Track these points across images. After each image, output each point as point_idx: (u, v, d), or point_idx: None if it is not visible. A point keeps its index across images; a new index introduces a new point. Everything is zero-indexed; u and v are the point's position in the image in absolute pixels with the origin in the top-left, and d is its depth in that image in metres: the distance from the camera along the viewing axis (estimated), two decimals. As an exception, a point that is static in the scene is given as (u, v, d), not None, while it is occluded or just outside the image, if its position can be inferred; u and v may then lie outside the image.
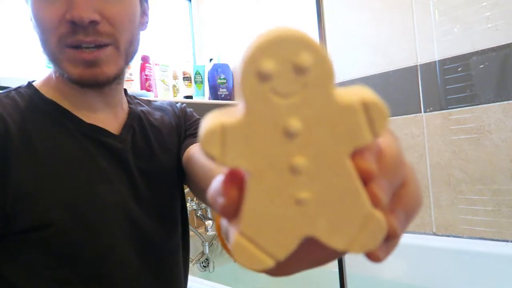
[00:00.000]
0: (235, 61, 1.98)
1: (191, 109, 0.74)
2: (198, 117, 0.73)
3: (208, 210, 1.61)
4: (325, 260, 0.21)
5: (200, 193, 0.60)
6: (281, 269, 0.21)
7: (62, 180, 0.50)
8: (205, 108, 1.81)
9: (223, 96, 1.92)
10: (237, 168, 0.17)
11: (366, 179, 0.17)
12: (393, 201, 0.19)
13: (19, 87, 0.58)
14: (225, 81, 1.93)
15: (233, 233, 0.18)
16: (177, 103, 0.75)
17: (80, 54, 0.50)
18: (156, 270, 0.58)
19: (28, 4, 0.53)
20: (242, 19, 1.91)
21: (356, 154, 0.17)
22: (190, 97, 1.81)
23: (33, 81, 0.60)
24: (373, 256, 0.19)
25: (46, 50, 0.53)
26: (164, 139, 0.65)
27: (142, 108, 0.67)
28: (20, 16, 1.44)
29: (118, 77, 0.56)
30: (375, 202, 0.17)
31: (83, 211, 0.50)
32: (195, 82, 1.90)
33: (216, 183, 0.18)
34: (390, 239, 0.19)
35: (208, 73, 1.93)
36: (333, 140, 0.17)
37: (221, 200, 0.18)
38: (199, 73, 1.92)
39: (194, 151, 0.61)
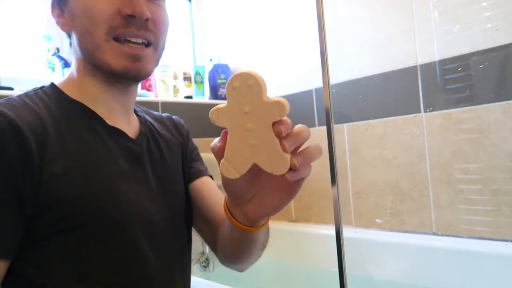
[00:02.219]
0: (235, 61, 1.98)
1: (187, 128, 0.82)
2: (194, 143, 0.81)
3: (208, 210, 1.61)
4: (276, 188, 0.45)
5: (199, 219, 0.70)
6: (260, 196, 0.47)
7: (89, 177, 0.52)
8: (205, 108, 1.81)
9: (223, 96, 1.92)
10: (224, 128, 0.40)
11: (281, 138, 0.38)
12: (295, 151, 0.40)
13: (43, 87, 0.60)
14: (225, 81, 1.93)
15: (222, 160, 0.40)
16: (172, 115, 0.80)
17: (128, 48, 0.54)
18: (169, 269, 0.61)
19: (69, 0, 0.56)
20: (242, 19, 1.91)
21: (275, 124, 0.38)
22: (190, 97, 1.81)
23: (51, 83, 0.63)
24: (290, 174, 0.40)
25: (88, 41, 0.55)
26: (171, 149, 0.70)
27: (147, 117, 0.71)
28: (20, 16, 1.44)
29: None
30: (284, 149, 0.38)
31: (108, 208, 0.52)
32: (195, 82, 1.90)
33: (215, 139, 0.41)
34: (294, 169, 0.39)
35: (208, 73, 1.93)
36: (264, 117, 0.38)
37: (218, 144, 0.41)
38: (199, 73, 1.92)
39: (203, 187, 0.72)
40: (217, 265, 1.53)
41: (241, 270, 0.75)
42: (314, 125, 1.63)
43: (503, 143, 1.14)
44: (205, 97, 1.93)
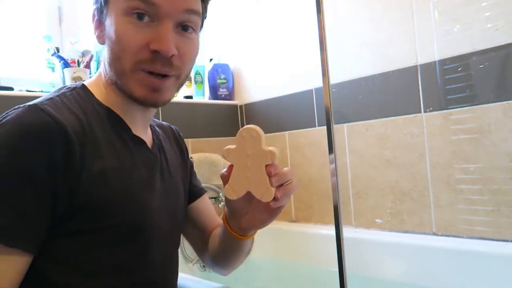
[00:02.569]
0: (235, 61, 1.98)
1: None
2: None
3: (208, 210, 1.61)
4: (265, 209, 0.60)
5: (194, 228, 0.80)
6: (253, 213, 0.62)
7: (118, 183, 0.55)
8: (205, 108, 1.81)
9: (223, 96, 1.92)
10: (231, 163, 0.55)
11: (270, 176, 0.53)
12: (279, 187, 0.55)
13: (75, 87, 0.61)
14: (225, 81, 1.93)
15: (226, 185, 0.56)
16: (172, 125, 0.85)
17: (151, 80, 0.57)
18: (169, 271, 0.69)
19: (106, 17, 0.58)
20: (242, 19, 1.91)
21: (267, 166, 0.53)
22: (190, 97, 1.81)
23: (77, 83, 0.64)
24: (273, 202, 0.54)
25: (116, 65, 0.57)
26: (173, 160, 0.74)
27: (156, 127, 0.75)
28: (20, 16, 1.44)
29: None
30: (271, 184, 0.53)
31: (131, 213, 0.56)
32: (195, 82, 1.90)
33: (223, 170, 0.57)
34: (276, 199, 0.54)
35: (208, 73, 1.93)
36: (260, 159, 0.53)
37: (224, 173, 0.57)
38: (199, 73, 1.92)
39: (203, 206, 0.81)
40: (217, 265, 1.53)
41: (224, 274, 0.84)
42: (314, 125, 1.63)
43: (503, 143, 1.14)
44: (205, 97, 1.93)
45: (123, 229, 0.55)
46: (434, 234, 1.29)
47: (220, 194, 1.61)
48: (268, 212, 0.60)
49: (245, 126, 0.54)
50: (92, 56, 1.46)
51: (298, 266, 1.58)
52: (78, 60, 1.41)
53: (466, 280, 1.15)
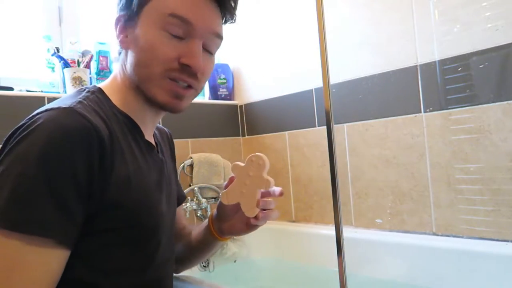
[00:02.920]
0: (235, 61, 1.98)
1: None
2: None
3: (208, 210, 1.61)
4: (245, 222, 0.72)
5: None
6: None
7: (137, 186, 0.59)
8: (205, 108, 1.81)
9: (223, 96, 1.92)
10: (234, 176, 0.68)
11: (259, 199, 0.66)
12: (262, 210, 0.68)
13: (94, 91, 0.63)
14: (225, 81, 1.93)
15: (223, 191, 0.69)
16: (164, 127, 0.90)
17: (177, 87, 0.62)
18: (171, 269, 0.75)
19: (136, 26, 0.62)
20: (242, 19, 1.91)
21: (261, 191, 0.67)
22: (190, 97, 1.81)
23: (92, 86, 0.67)
24: (253, 219, 0.67)
25: (143, 71, 0.61)
26: (168, 162, 0.78)
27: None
28: (20, 16, 1.44)
29: None
30: (257, 205, 0.66)
31: (147, 215, 0.61)
32: (195, 82, 1.90)
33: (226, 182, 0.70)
34: (256, 218, 0.66)
35: (208, 73, 1.93)
36: (257, 183, 0.64)
37: (225, 183, 0.70)
38: (199, 73, 1.92)
39: (180, 211, 0.90)
40: (217, 265, 1.53)
41: (176, 272, 0.88)
42: (314, 125, 1.63)
43: (503, 143, 1.14)
44: (205, 97, 1.93)
45: (141, 230, 0.60)
46: (434, 234, 1.29)
47: (220, 194, 1.61)
48: (247, 226, 0.72)
49: (257, 153, 0.66)
50: (92, 56, 1.46)
51: (298, 266, 1.58)
52: (78, 60, 1.41)
53: (466, 280, 1.15)
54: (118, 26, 0.65)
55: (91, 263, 0.55)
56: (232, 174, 0.69)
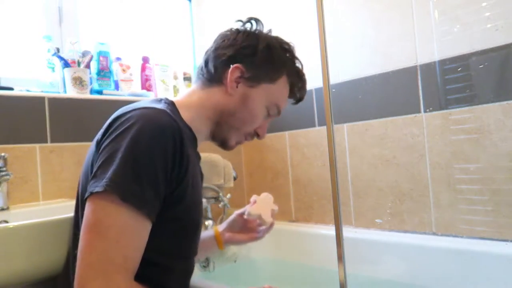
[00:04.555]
0: (235, 61, 1.97)
1: None
2: None
3: (208, 210, 1.61)
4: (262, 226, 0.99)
5: None
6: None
7: (195, 186, 0.70)
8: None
9: (223, 96, 1.92)
10: (256, 201, 0.97)
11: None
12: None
13: (169, 103, 0.73)
14: (225, 81, 1.93)
15: (251, 208, 0.94)
16: None
17: (243, 141, 0.85)
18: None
19: (252, 88, 0.79)
20: (242, 19, 1.91)
21: (272, 211, 0.96)
22: (190, 97, 1.81)
23: (165, 98, 0.77)
24: (261, 233, 1.00)
25: (235, 121, 0.79)
26: None
27: None
28: (20, 16, 1.44)
29: None
30: (272, 216, 0.95)
31: (197, 212, 0.74)
32: (195, 82, 1.90)
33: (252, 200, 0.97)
34: (268, 230, 1.00)
35: (208, 73, 1.93)
36: (270, 206, 0.97)
37: (251, 205, 0.96)
38: (199, 73, 1.91)
39: None
40: (217, 265, 1.53)
41: None
42: (314, 125, 1.63)
43: (503, 143, 1.14)
44: (205, 97, 1.93)
45: (192, 223, 0.72)
46: (434, 234, 1.29)
47: (220, 194, 1.61)
48: (247, 237, 0.98)
49: (267, 193, 0.98)
50: (92, 56, 1.46)
51: (298, 266, 1.58)
52: (78, 60, 1.41)
53: (466, 280, 1.15)
54: (236, 74, 0.77)
55: (158, 247, 0.64)
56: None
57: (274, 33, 0.93)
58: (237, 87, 0.77)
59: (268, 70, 0.79)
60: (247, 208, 0.94)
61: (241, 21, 0.86)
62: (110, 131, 0.61)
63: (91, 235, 0.55)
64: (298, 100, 0.90)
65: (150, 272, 0.65)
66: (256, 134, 0.84)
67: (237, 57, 0.77)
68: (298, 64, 0.86)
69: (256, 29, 0.84)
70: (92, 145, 0.69)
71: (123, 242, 0.55)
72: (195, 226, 0.74)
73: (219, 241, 0.98)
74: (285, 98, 0.85)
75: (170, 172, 0.61)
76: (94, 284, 0.52)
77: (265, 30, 0.86)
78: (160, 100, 0.73)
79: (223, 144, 0.82)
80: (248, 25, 0.84)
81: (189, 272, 0.77)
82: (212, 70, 0.79)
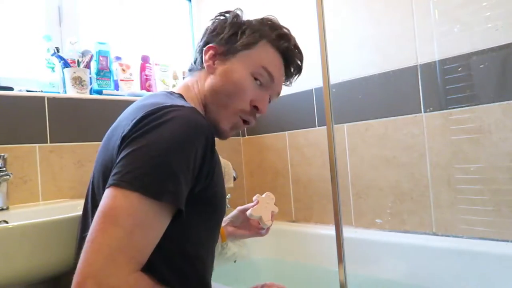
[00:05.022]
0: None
1: None
2: None
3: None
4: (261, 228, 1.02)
5: None
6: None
7: (220, 177, 0.72)
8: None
9: (223, 96, 1.92)
10: (259, 201, 0.98)
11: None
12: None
13: (178, 97, 0.74)
14: (225, 81, 1.93)
15: (252, 208, 0.95)
16: None
17: (239, 123, 0.78)
18: None
19: (229, 61, 0.76)
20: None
21: (272, 212, 0.98)
22: (190, 97, 1.81)
23: (171, 92, 0.78)
24: (263, 231, 1.02)
25: (220, 99, 0.75)
26: None
27: None
28: (20, 16, 1.44)
29: None
30: (271, 219, 0.97)
31: (223, 202, 0.74)
32: (195, 82, 1.90)
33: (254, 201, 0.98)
34: (267, 231, 1.02)
35: (208, 73, 1.93)
36: (270, 208, 0.98)
37: (253, 204, 0.98)
38: (199, 73, 1.91)
39: None
40: (217, 265, 1.53)
41: None
42: (314, 125, 1.63)
43: (503, 143, 1.14)
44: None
45: (219, 215, 0.74)
46: (434, 234, 1.29)
47: (250, 210, 1.61)
48: (248, 233, 1.03)
49: (269, 192, 0.99)
50: (92, 56, 1.46)
51: (298, 266, 1.58)
52: (78, 60, 1.41)
53: (466, 280, 1.15)
54: (209, 53, 0.77)
55: (197, 239, 0.68)
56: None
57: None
58: (214, 64, 0.77)
59: (241, 39, 0.77)
60: (250, 209, 0.95)
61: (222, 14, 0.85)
62: (141, 125, 0.60)
63: (107, 220, 0.54)
64: (295, 65, 0.84)
65: (194, 265, 0.68)
66: (255, 108, 0.77)
67: (210, 40, 0.79)
68: (277, 28, 0.82)
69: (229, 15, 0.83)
70: (109, 141, 0.68)
71: (138, 234, 0.55)
72: (222, 215, 0.77)
73: (222, 235, 1.00)
74: (272, 60, 0.79)
75: (199, 169, 0.62)
76: (101, 273, 0.51)
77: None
78: (172, 94, 0.74)
79: (217, 131, 0.77)
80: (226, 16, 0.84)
81: (213, 259, 0.80)
82: (193, 61, 0.82)
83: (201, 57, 0.79)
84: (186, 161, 0.58)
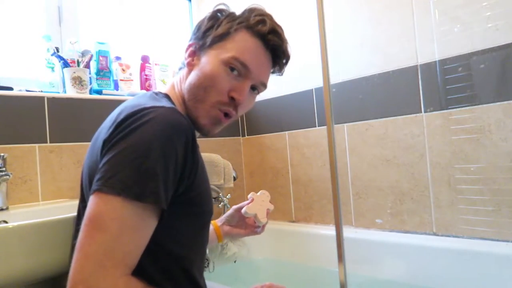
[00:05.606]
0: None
1: None
2: None
3: (208, 210, 1.61)
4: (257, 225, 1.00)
5: None
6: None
7: (204, 180, 0.72)
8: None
9: (223, 96, 1.92)
10: (254, 199, 0.97)
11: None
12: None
13: (165, 97, 0.74)
14: (225, 81, 1.93)
15: (247, 206, 0.95)
16: None
17: (220, 115, 0.74)
18: None
19: (205, 54, 0.75)
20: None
21: (267, 210, 0.97)
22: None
23: (158, 91, 0.78)
24: (259, 229, 1.00)
25: (198, 93, 0.74)
26: None
27: None
28: (20, 16, 1.44)
29: None
30: (266, 216, 0.96)
31: (209, 201, 0.74)
32: (195, 82, 1.90)
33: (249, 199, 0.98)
34: (263, 229, 1.00)
35: (208, 73, 1.93)
36: (266, 205, 0.97)
37: (248, 202, 0.97)
38: (199, 73, 1.91)
39: None
40: (217, 265, 1.53)
41: None
42: (314, 125, 1.63)
43: (503, 143, 1.14)
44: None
45: (206, 213, 0.73)
46: (434, 234, 1.29)
47: (220, 194, 1.61)
48: (244, 232, 1.01)
49: (264, 190, 0.99)
50: (91, 56, 1.46)
51: (298, 266, 1.58)
52: (77, 60, 1.41)
53: (466, 280, 1.14)
54: (189, 50, 0.78)
55: (182, 240, 0.68)
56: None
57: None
58: (193, 61, 0.77)
59: (216, 31, 0.75)
60: (244, 207, 0.94)
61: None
62: (120, 128, 0.60)
63: (92, 227, 0.55)
64: (279, 51, 0.78)
65: (183, 265, 0.68)
66: (231, 98, 0.73)
67: (191, 37, 0.80)
68: (256, 14, 0.77)
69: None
70: (95, 143, 0.68)
71: (125, 238, 0.55)
72: (210, 215, 0.75)
73: (219, 234, 1.00)
74: (248, 47, 0.74)
75: (182, 169, 0.62)
76: (90, 278, 0.52)
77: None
78: (157, 95, 0.74)
79: (198, 127, 0.75)
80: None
81: (204, 259, 0.80)
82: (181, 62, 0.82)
83: (184, 57, 0.80)
84: (167, 161, 0.58)
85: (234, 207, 1.01)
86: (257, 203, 0.95)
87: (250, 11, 0.77)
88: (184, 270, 0.69)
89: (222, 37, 0.74)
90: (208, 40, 0.75)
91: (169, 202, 0.61)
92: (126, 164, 0.57)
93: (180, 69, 0.82)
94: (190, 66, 0.77)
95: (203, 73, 0.73)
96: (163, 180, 0.58)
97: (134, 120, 0.60)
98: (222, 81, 0.72)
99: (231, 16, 0.77)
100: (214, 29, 0.76)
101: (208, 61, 0.74)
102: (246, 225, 1.01)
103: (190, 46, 0.79)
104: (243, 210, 0.94)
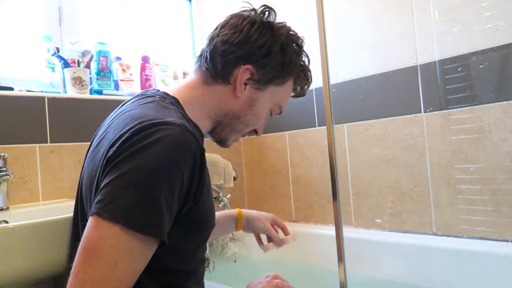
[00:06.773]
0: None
1: None
2: None
3: (208, 210, 1.61)
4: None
5: None
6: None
7: (209, 194, 0.69)
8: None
9: (223, 96, 1.92)
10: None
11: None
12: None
13: (173, 103, 0.70)
14: (225, 81, 1.93)
15: (266, 244, 1.05)
16: None
17: (239, 139, 0.83)
18: None
19: (258, 92, 0.76)
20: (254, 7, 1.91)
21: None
22: (190, 97, 1.81)
23: (164, 93, 0.74)
24: (283, 243, 1.03)
25: (235, 122, 0.77)
26: None
27: None
28: (20, 16, 1.44)
29: None
30: (285, 233, 1.06)
31: (212, 216, 0.73)
32: (195, 82, 1.90)
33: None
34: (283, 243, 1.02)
35: (208, 73, 1.93)
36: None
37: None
38: (199, 73, 1.91)
39: None
40: (217, 265, 1.53)
41: None
42: (314, 125, 1.63)
43: (503, 143, 1.14)
44: (205, 97, 1.93)
45: (209, 229, 0.72)
46: (434, 234, 1.29)
47: (220, 194, 1.61)
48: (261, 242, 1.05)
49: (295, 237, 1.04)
50: (92, 56, 1.46)
51: (298, 266, 1.58)
52: (78, 60, 1.41)
53: (466, 280, 1.15)
54: (245, 75, 0.73)
55: (181, 255, 0.67)
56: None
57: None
58: (244, 89, 0.74)
59: (278, 73, 0.75)
60: (264, 245, 1.01)
61: (254, 9, 0.82)
62: (125, 146, 0.57)
63: (89, 252, 0.53)
64: (300, 96, 0.88)
65: (179, 279, 0.67)
66: (255, 132, 0.82)
67: (249, 57, 0.72)
68: (306, 63, 0.84)
69: (268, 22, 0.79)
70: (97, 151, 0.65)
71: (122, 265, 0.54)
72: (212, 228, 0.74)
73: (240, 223, 1.01)
74: (288, 98, 0.83)
75: (187, 191, 0.60)
76: None
77: (277, 20, 0.85)
78: (165, 100, 0.69)
79: (221, 142, 0.81)
80: (261, 16, 0.79)
81: (204, 270, 0.79)
82: (219, 67, 0.73)
83: (230, 69, 0.73)
84: (171, 188, 0.56)
85: (256, 236, 1.06)
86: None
87: (304, 65, 0.83)
88: (184, 283, 0.68)
89: (278, 83, 0.77)
90: (268, 79, 0.75)
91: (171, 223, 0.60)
92: (129, 190, 0.54)
93: (202, 70, 0.75)
94: (239, 94, 0.74)
95: (251, 110, 0.76)
96: (167, 209, 0.56)
97: (140, 138, 0.56)
98: (261, 123, 0.81)
99: (290, 57, 0.78)
100: (280, 68, 0.75)
101: (260, 102, 0.77)
102: (254, 233, 1.06)
103: (248, 70, 0.72)
104: (260, 246, 1.00)
